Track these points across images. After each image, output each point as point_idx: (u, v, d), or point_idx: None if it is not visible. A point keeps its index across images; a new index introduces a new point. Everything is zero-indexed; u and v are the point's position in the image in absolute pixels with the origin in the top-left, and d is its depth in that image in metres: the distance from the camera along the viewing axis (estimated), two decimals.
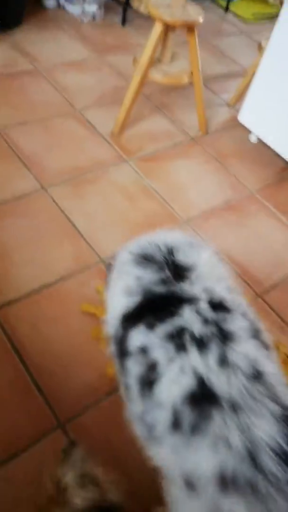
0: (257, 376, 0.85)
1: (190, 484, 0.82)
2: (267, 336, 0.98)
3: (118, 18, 3.16)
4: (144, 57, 2.06)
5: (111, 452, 1.23)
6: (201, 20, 2.02)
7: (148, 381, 0.89)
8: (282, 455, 0.76)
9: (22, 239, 1.70)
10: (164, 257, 1.01)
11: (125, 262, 1.07)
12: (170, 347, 0.88)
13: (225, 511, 0.77)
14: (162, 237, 1.09)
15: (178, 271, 0.99)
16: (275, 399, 0.83)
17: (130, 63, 2.33)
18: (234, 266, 1.79)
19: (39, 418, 1.28)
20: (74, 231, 1.77)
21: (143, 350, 0.91)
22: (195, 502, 0.82)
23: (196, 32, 2.09)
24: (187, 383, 0.84)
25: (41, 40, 2.77)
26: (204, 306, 0.93)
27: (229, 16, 3.64)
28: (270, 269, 1.83)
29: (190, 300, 0.94)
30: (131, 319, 0.97)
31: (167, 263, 1.00)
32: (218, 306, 0.94)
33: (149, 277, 0.99)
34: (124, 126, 2.25)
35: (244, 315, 0.97)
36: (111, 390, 1.33)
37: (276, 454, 0.77)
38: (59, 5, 3.13)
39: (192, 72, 2.22)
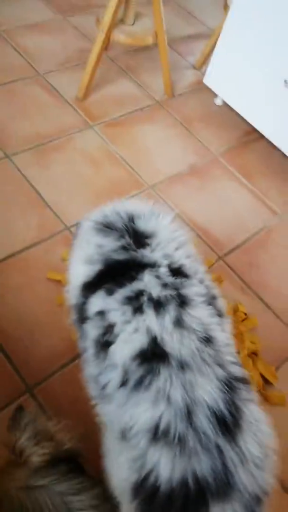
0: (208, 340, 0.88)
1: (124, 435, 0.84)
2: (222, 303, 1.01)
3: None
4: (107, 17, 2.01)
5: (77, 410, 1.27)
6: None
7: (104, 343, 0.91)
8: (219, 418, 0.79)
9: None
10: (125, 225, 1.03)
11: (86, 231, 1.08)
12: (128, 309, 0.90)
13: (149, 460, 0.79)
14: (123, 205, 1.12)
15: (139, 238, 1.01)
16: (222, 364, 0.86)
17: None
18: (197, 230, 1.83)
19: (7, 383, 1.32)
20: (39, 200, 1.78)
21: (101, 314, 0.93)
22: (124, 451, 0.84)
23: None
24: (139, 341, 0.87)
25: (2, 1, 2.65)
26: (163, 270, 0.95)
27: None
28: (232, 232, 1.87)
29: (150, 266, 0.96)
30: (91, 287, 0.98)
31: (127, 231, 1.02)
32: (177, 271, 0.97)
33: (110, 245, 1.00)
34: (88, 90, 2.21)
35: (201, 281, 1.00)
36: (76, 355, 1.36)
37: (214, 415, 0.79)
38: None
39: (156, 33, 2.18)
